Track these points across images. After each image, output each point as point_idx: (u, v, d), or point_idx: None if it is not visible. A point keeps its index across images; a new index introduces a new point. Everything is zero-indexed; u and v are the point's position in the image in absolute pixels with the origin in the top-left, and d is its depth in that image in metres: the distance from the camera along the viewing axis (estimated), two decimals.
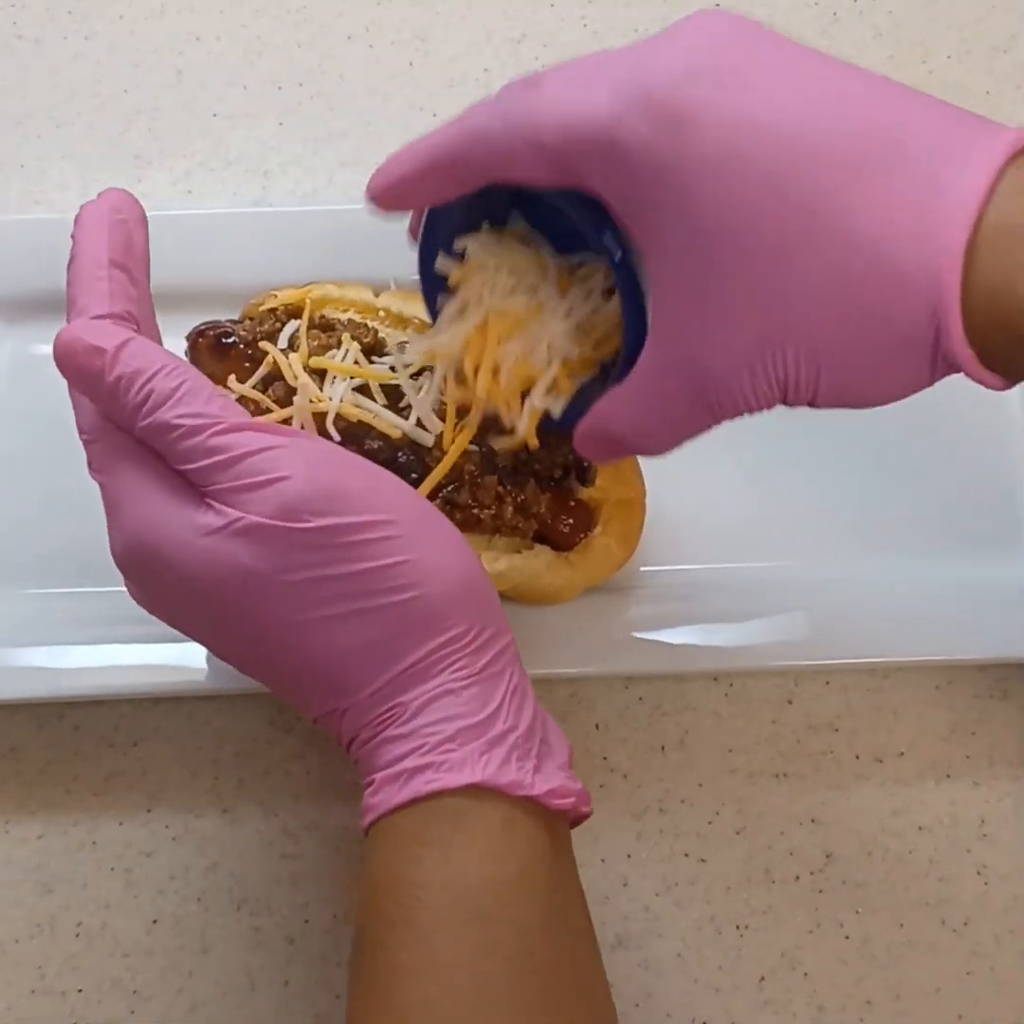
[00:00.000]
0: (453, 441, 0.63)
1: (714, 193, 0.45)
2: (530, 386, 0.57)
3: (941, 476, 0.74)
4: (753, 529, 0.72)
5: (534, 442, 0.59)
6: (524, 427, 0.58)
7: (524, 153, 0.49)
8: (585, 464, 0.67)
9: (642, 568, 0.71)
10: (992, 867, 0.68)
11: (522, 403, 0.58)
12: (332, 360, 0.66)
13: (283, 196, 0.84)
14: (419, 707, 0.51)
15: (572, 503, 0.67)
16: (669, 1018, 0.65)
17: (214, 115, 0.87)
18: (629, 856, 0.68)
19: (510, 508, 0.65)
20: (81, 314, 0.53)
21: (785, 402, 0.48)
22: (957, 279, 0.42)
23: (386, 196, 0.53)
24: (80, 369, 0.52)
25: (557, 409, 0.58)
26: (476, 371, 0.58)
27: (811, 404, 0.48)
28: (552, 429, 0.59)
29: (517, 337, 0.57)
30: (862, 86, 0.45)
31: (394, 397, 0.65)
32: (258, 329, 0.69)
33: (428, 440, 0.64)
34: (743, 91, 0.45)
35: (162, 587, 0.53)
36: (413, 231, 0.59)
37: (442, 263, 0.58)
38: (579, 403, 0.56)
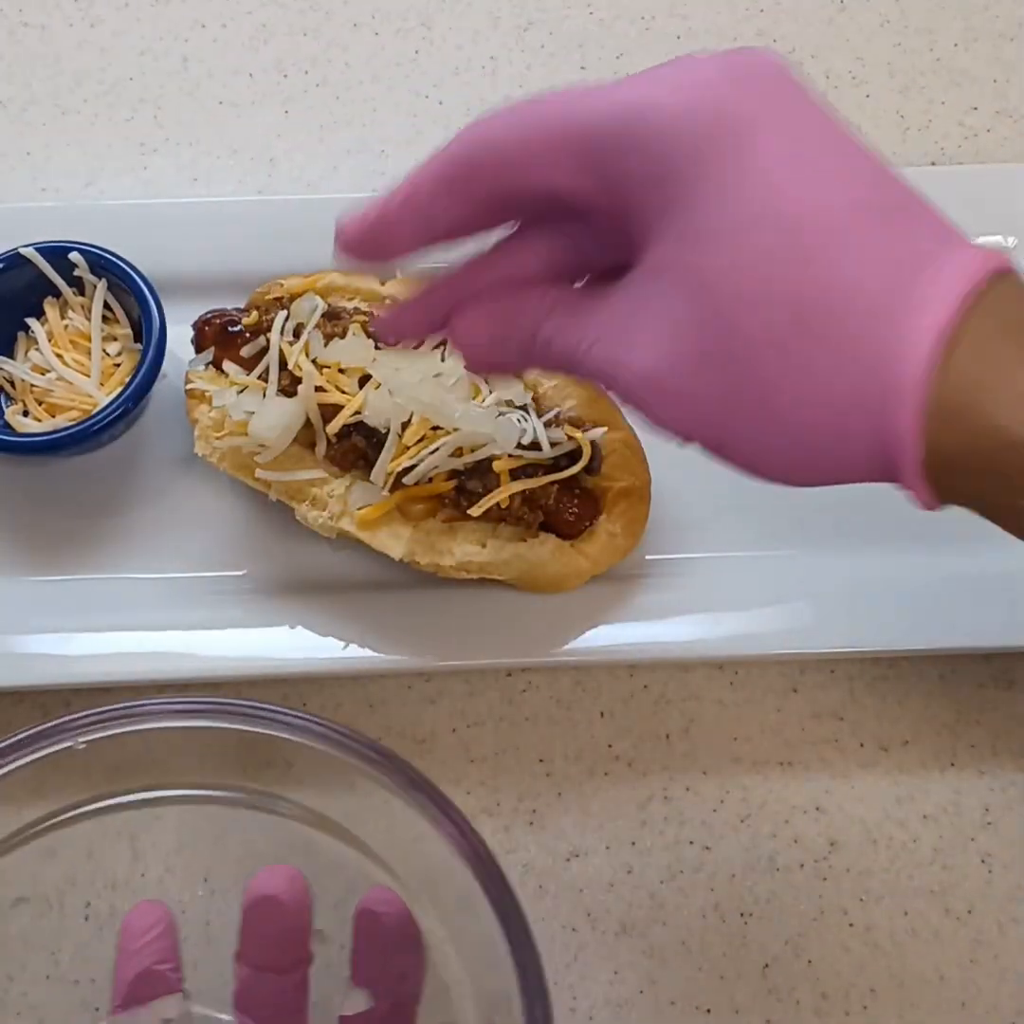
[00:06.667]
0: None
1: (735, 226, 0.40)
2: None
3: None
4: (758, 518, 0.72)
5: None
6: None
7: (547, 147, 0.42)
8: (592, 452, 0.67)
9: (647, 556, 0.71)
10: (996, 855, 0.68)
11: None
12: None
13: (288, 184, 0.84)
14: None
15: (577, 491, 0.67)
16: (673, 1005, 0.65)
17: (220, 103, 0.87)
18: (633, 844, 0.68)
19: (518, 499, 0.65)
20: None
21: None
22: (914, 419, 0.38)
23: (373, 233, 0.45)
24: None
25: None
26: None
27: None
28: None
29: None
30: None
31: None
32: (264, 318, 0.70)
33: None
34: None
35: None
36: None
37: None
38: None
